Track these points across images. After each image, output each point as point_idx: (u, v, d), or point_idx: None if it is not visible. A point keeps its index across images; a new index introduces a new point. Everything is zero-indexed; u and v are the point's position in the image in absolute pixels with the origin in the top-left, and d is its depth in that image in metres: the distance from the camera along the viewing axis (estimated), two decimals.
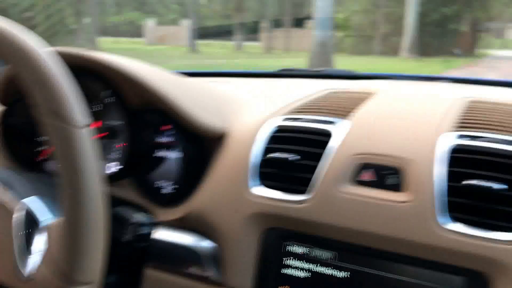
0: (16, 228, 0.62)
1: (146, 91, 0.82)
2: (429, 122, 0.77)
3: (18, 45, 0.55)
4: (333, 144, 0.76)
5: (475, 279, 0.63)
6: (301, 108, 0.89)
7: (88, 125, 0.57)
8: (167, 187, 0.88)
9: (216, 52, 23.00)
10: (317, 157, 0.76)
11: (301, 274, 0.73)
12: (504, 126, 0.74)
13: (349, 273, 0.70)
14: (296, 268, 0.73)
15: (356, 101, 0.90)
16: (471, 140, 0.70)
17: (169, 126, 0.87)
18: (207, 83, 1.31)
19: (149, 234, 0.78)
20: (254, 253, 0.76)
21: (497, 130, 0.73)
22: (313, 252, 0.73)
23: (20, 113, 0.95)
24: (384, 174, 0.70)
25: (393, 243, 0.67)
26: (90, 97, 1.00)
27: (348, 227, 0.69)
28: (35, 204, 0.64)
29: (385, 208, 0.67)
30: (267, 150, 0.80)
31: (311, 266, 0.72)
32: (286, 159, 0.76)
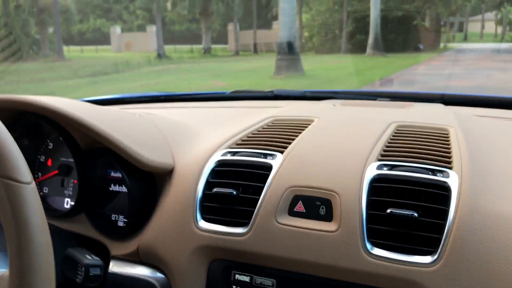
0: None
1: (87, 131, 0.86)
2: (359, 152, 0.83)
3: None
4: (272, 177, 0.81)
5: None
6: (243, 141, 0.94)
7: (31, 181, 0.59)
8: (119, 221, 0.92)
9: (184, 57, 22.91)
10: (258, 190, 0.80)
11: None
12: (422, 154, 0.81)
13: None
14: None
15: (296, 130, 0.96)
16: (390, 169, 0.77)
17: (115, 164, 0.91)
18: (156, 110, 1.33)
19: (100, 275, 0.81)
20: (203, 284, 0.80)
21: (415, 158, 0.80)
22: (257, 280, 0.78)
23: None
24: (316, 205, 0.76)
25: (326, 269, 0.72)
26: (41, 136, 1.03)
27: (284, 256, 0.74)
28: None
29: (317, 237, 0.73)
30: (210, 184, 0.84)
31: None
32: (226, 194, 0.81)
